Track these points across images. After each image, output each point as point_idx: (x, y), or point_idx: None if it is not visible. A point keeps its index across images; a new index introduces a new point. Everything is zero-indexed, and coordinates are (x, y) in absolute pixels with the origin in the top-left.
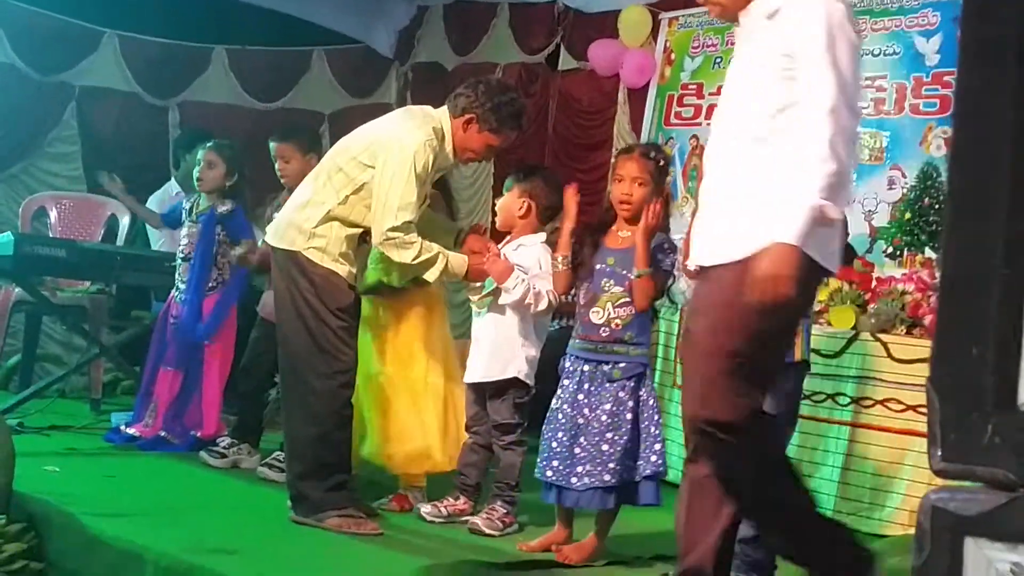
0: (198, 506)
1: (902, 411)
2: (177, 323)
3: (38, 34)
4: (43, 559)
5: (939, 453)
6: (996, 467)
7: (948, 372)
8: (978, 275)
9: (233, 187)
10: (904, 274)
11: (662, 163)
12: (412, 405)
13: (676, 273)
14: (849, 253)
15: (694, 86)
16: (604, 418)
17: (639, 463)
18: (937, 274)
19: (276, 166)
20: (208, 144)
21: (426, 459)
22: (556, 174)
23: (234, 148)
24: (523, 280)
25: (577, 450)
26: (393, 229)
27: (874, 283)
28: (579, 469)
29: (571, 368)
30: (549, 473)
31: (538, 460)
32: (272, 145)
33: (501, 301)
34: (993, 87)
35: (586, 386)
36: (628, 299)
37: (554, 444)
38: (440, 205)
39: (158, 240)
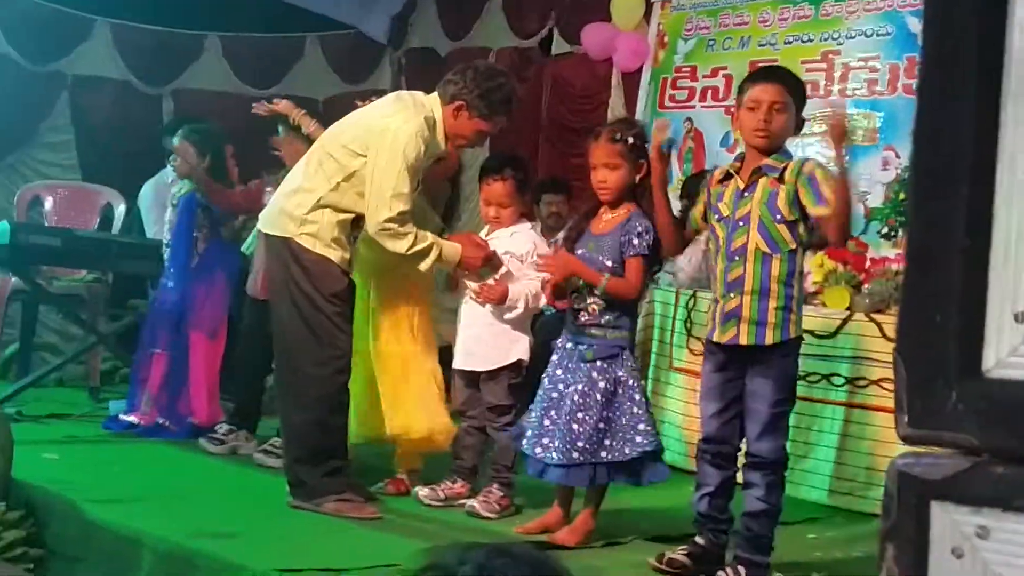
0: (196, 492)
1: None
2: (160, 306)
3: (31, 23)
4: (42, 546)
5: (905, 420)
6: (961, 432)
7: (913, 340)
8: (942, 246)
9: (208, 169)
10: (898, 254)
11: (632, 141)
12: (419, 381)
13: None
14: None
15: (688, 69)
16: (576, 398)
17: (619, 443)
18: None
19: (281, 153)
20: (178, 132)
21: (440, 436)
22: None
23: (203, 131)
24: (522, 294)
25: (547, 423)
26: (388, 220)
27: (868, 263)
28: (545, 441)
29: (560, 344)
30: (523, 442)
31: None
32: (279, 136)
33: (507, 317)
34: (956, 64)
35: (565, 362)
36: None
37: (532, 414)
38: (445, 193)
39: (153, 228)
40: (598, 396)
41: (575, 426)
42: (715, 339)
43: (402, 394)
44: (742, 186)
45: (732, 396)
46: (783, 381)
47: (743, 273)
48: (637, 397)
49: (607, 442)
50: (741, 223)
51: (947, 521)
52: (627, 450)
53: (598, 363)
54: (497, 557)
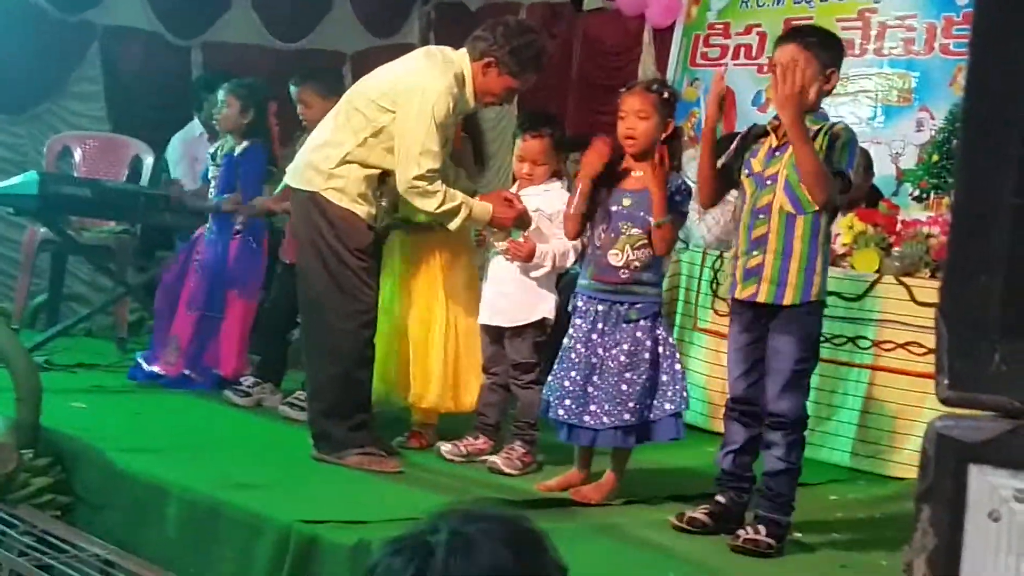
0: (222, 443)
1: (923, 354)
2: (201, 264)
3: None
4: (69, 493)
5: (945, 381)
6: (1002, 395)
7: (957, 300)
8: (990, 203)
9: (251, 124)
10: (930, 217)
11: (666, 96)
12: (435, 347)
13: (695, 214)
14: (874, 195)
15: (721, 26)
16: (623, 358)
17: (660, 401)
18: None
19: (297, 109)
20: (224, 85)
21: (448, 401)
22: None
23: (249, 86)
24: (548, 252)
25: (591, 389)
26: (417, 177)
27: (899, 226)
28: (593, 408)
29: (584, 308)
30: (561, 412)
31: (548, 399)
32: (292, 89)
33: (533, 274)
34: (1011, 17)
35: (600, 325)
36: (646, 241)
37: (567, 383)
38: (468, 149)
39: (181, 182)
40: (646, 355)
41: (624, 387)
42: (736, 295)
43: (421, 363)
44: (775, 144)
45: (757, 358)
46: (805, 340)
47: (767, 231)
48: (678, 355)
49: (653, 401)
50: (769, 181)
51: (985, 484)
52: (668, 406)
53: (641, 322)
54: (471, 522)
